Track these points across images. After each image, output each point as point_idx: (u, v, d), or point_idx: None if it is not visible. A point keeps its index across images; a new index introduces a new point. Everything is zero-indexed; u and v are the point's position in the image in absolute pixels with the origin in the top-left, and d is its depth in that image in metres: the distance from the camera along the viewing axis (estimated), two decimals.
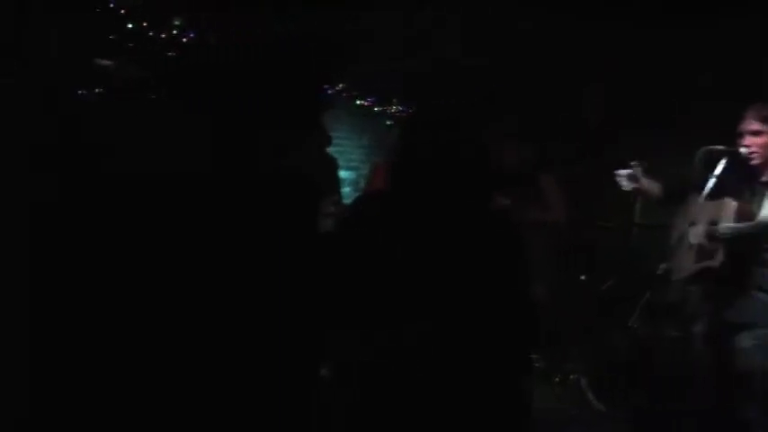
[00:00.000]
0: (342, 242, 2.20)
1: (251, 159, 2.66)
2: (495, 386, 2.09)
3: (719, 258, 3.45)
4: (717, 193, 3.55)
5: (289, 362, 2.32)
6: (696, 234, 3.61)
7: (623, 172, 3.93)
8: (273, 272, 2.36)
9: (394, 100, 6.49)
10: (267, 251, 2.44)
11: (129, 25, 4.62)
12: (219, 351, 2.29)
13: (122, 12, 4.57)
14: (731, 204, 3.47)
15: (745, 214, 3.45)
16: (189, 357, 2.29)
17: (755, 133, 3.50)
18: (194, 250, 2.45)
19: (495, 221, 2.20)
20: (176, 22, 4.83)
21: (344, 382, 2.15)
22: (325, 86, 5.72)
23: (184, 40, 4.85)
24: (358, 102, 6.36)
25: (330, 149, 6.43)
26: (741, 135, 3.53)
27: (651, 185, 3.93)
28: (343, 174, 6.27)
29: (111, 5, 4.55)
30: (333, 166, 5.93)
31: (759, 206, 3.46)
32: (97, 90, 3.55)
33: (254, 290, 2.37)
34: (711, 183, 3.50)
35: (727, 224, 3.45)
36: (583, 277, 5.57)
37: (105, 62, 3.89)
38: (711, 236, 3.51)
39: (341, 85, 6.13)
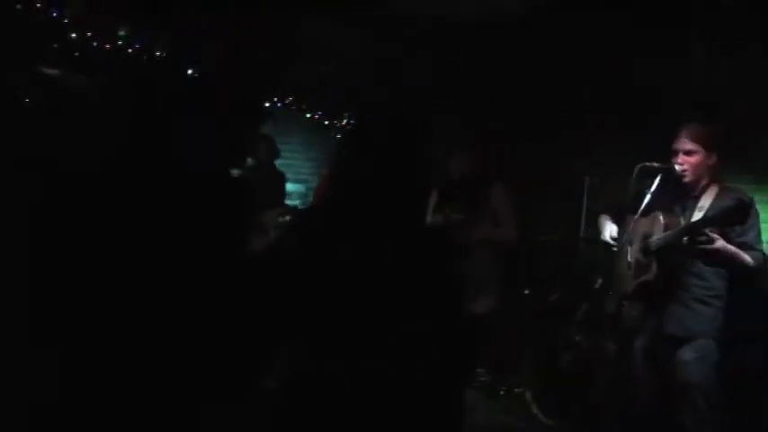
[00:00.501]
0: (281, 256, 2.19)
1: (193, 170, 2.64)
2: (430, 403, 2.09)
3: (653, 271, 3.51)
4: (651, 210, 3.61)
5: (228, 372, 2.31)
6: (633, 251, 3.68)
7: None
8: (211, 284, 2.35)
9: (344, 113, 6.49)
10: (204, 263, 2.42)
11: (73, 35, 4.57)
12: (151, 360, 2.27)
13: (66, 21, 4.52)
14: (660, 218, 3.54)
15: (675, 227, 3.52)
16: (118, 365, 2.26)
17: (688, 153, 3.58)
18: (135, 263, 2.43)
19: (434, 235, 2.21)
20: (121, 33, 4.79)
21: (288, 394, 2.13)
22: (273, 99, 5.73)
23: (129, 51, 4.81)
24: (308, 115, 6.34)
25: (280, 162, 6.45)
26: (675, 153, 3.61)
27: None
28: (292, 186, 6.28)
29: (55, 15, 4.49)
30: (280, 178, 5.95)
31: (689, 220, 3.55)
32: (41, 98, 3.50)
33: (194, 301, 2.35)
34: (647, 199, 3.56)
35: (657, 236, 3.52)
36: (527, 291, 5.62)
37: (49, 71, 3.84)
38: (645, 250, 3.58)
39: (290, 98, 6.12)
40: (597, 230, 4.07)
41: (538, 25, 5.61)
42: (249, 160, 5.96)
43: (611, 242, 3.83)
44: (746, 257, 3.42)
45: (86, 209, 2.48)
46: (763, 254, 3.50)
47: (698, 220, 3.44)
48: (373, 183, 2.08)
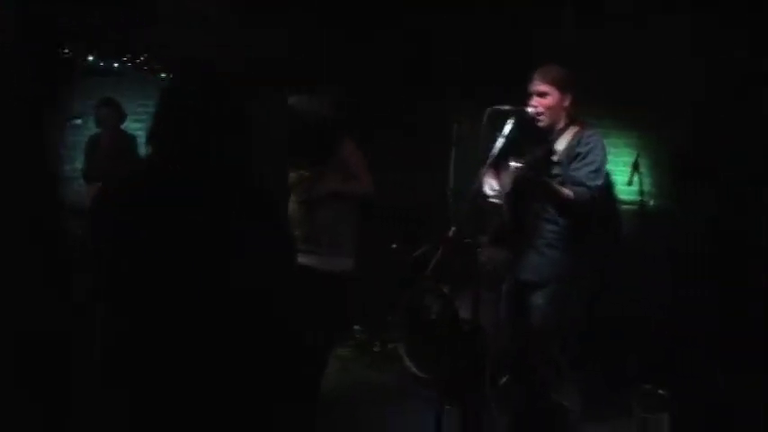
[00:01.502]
0: (96, 219, 1.99)
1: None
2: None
3: (505, 216, 3.49)
4: (506, 153, 3.55)
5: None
6: (495, 196, 3.65)
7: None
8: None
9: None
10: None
11: None
12: None
13: None
14: (511, 163, 3.48)
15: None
16: None
17: (542, 94, 3.54)
18: None
19: (254, 194, 2.03)
20: None
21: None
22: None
23: None
24: (163, 75, 6.00)
25: (140, 126, 6.14)
26: (530, 96, 3.56)
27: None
28: None
29: None
30: (129, 141, 5.70)
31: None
32: None
33: None
34: (500, 143, 3.47)
35: (506, 182, 3.49)
36: (394, 245, 5.55)
37: None
38: (502, 197, 3.55)
39: (143, 57, 5.77)
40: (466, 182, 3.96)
41: None
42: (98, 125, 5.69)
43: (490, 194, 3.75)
44: (565, 192, 3.41)
45: None
46: (593, 190, 3.46)
47: (520, 167, 3.41)
48: (185, 143, 1.92)
